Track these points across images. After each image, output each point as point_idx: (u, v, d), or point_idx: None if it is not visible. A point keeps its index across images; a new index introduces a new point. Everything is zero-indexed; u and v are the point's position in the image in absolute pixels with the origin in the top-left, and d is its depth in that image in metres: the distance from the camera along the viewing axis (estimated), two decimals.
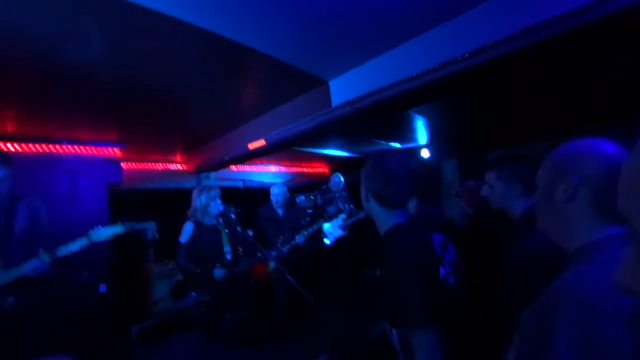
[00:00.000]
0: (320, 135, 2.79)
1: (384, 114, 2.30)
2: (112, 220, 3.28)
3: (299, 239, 3.27)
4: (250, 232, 3.08)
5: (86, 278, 2.97)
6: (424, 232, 1.17)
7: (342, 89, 2.19)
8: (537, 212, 0.83)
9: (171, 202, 4.13)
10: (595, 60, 2.07)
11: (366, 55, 1.98)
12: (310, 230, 3.41)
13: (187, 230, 2.68)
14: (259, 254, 2.86)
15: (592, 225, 0.70)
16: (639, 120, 3.14)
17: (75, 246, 1.98)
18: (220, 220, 2.78)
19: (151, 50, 1.70)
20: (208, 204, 2.68)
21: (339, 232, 4.32)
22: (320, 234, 4.06)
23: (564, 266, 0.71)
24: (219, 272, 2.59)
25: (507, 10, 1.49)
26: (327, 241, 4.10)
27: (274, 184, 3.73)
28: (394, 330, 1.11)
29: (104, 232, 2.09)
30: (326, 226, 4.21)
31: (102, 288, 3.12)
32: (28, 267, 1.84)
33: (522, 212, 1.38)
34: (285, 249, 3.19)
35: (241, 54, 1.77)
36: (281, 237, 3.16)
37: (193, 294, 2.61)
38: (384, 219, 1.17)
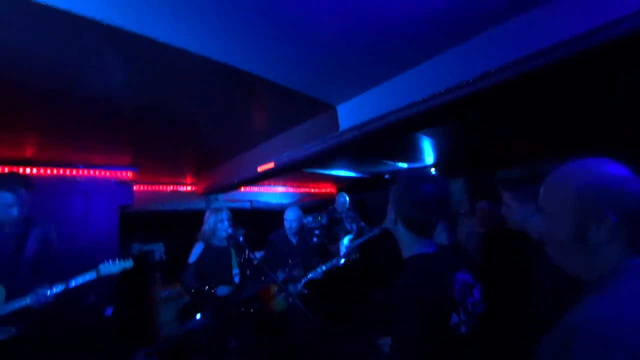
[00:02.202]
0: (328, 158, 2.83)
1: (391, 137, 2.33)
2: (121, 241, 3.35)
3: (315, 275, 3.05)
4: (259, 254, 3.05)
5: (93, 301, 2.96)
6: (447, 270, 1.06)
7: (350, 114, 2.25)
8: (555, 250, 0.75)
9: (179, 224, 4.17)
10: (602, 80, 2.10)
11: (372, 81, 2.04)
12: (327, 266, 3.14)
13: (196, 251, 2.69)
14: (267, 278, 2.83)
15: (618, 257, 0.65)
16: None
17: (82, 279, 2.00)
18: (231, 242, 2.78)
19: (165, 81, 1.79)
20: (215, 226, 2.70)
21: (348, 255, 4.26)
22: (330, 257, 4.00)
23: (581, 294, 0.67)
24: (222, 290, 2.56)
25: (508, 38, 1.54)
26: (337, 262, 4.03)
27: (288, 208, 3.40)
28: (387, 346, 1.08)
29: (113, 268, 2.12)
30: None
31: (109, 311, 3.10)
32: (31, 299, 1.83)
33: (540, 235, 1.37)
34: (299, 286, 3.07)
35: (251, 82, 1.85)
36: (290, 262, 3.08)
37: (198, 317, 2.58)
38: (410, 245, 1.11)
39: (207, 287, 2.55)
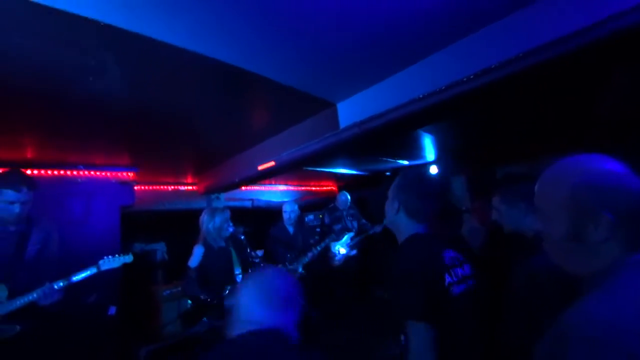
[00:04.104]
0: (329, 156, 2.82)
1: (391, 134, 2.33)
2: (123, 241, 3.36)
3: (310, 255, 3.25)
4: (260, 253, 3.07)
5: (96, 300, 2.97)
6: (437, 243, 1.24)
7: (350, 111, 2.24)
8: (552, 249, 0.74)
9: (181, 223, 4.17)
10: (600, 76, 2.08)
11: (372, 78, 2.03)
12: (321, 246, 3.39)
13: (197, 254, 2.64)
14: None
15: (615, 255, 0.64)
16: None
17: (84, 275, 2.04)
18: (230, 242, 2.77)
19: (164, 80, 1.78)
20: (222, 226, 2.66)
21: (347, 251, 4.27)
22: (329, 252, 4.03)
23: (578, 291, 0.67)
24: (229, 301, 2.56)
25: (508, 34, 1.53)
26: (337, 258, 4.06)
27: (286, 201, 3.73)
28: (402, 337, 1.15)
29: (113, 262, 2.16)
30: (335, 245, 4.18)
31: (112, 310, 3.11)
32: (38, 294, 1.85)
33: (535, 232, 1.36)
34: (299, 267, 3.16)
35: (251, 81, 1.84)
36: (288, 255, 3.14)
37: (205, 319, 2.57)
38: (406, 229, 1.27)
39: (215, 300, 2.53)
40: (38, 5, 1.13)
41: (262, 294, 1.03)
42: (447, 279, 1.12)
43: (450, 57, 1.73)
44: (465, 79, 1.65)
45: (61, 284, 1.93)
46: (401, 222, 1.28)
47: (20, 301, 1.83)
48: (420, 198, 1.26)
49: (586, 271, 0.68)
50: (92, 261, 2.13)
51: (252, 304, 1.02)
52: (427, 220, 1.28)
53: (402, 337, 1.13)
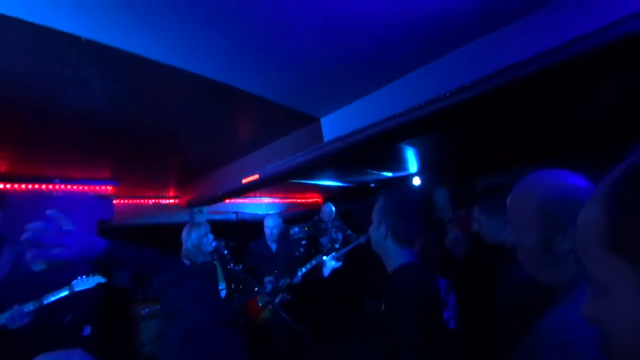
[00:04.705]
0: (313, 169, 2.84)
1: (374, 148, 2.37)
2: None
3: (296, 279, 3.17)
4: (240, 267, 3.02)
5: (70, 320, 2.83)
6: (431, 275, 1.23)
7: (333, 125, 2.28)
8: (525, 259, 0.78)
9: (162, 238, 4.05)
10: (577, 90, 2.20)
11: (355, 94, 2.08)
12: (312, 264, 3.33)
13: None
14: (254, 290, 2.78)
15: None
16: (621, 144, 3.30)
17: (56, 297, 1.97)
18: (215, 256, 2.72)
19: (146, 95, 1.77)
20: (200, 242, 2.63)
21: (334, 263, 4.25)
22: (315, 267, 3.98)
23: (550, 301, 0.70)
24: None
25: (488, 50, 1.61)
26: (323, 269, 4.02)
27: (268, 215, 3.60)
28: None
29: (87, 283, 2.08)
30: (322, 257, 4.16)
31: (87, 330, 2.97)
32: (5, 319, 1.77)
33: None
34: (281, 283, 3.10)
35: (234, 96, 1.85)
36: (275, 272, 3.08)
37: None
38: (396, 256, 1.25)
39: None
40: (21, 21, 1.11)
41: None
42: (445, 315, 1.13)
43: (432, 73, 1.80)
44: (443, 96, 1.71)
45: (31, 307, 1.84)
46: (390, 248, 1.26)
47: None
48: (406, 220, 1.25)
49: (558, 280, 0.72)
50: (68, 279, 2.04)
51: None
52: (414, 244, 1.28)
53: None
